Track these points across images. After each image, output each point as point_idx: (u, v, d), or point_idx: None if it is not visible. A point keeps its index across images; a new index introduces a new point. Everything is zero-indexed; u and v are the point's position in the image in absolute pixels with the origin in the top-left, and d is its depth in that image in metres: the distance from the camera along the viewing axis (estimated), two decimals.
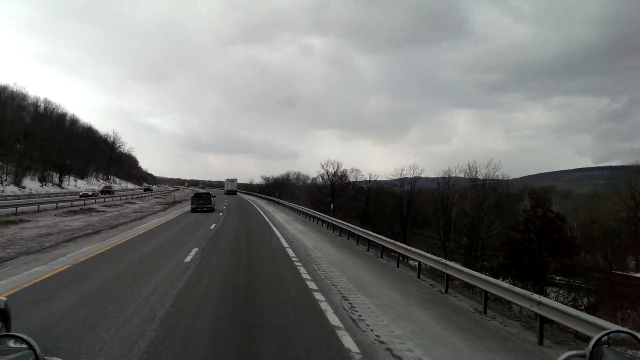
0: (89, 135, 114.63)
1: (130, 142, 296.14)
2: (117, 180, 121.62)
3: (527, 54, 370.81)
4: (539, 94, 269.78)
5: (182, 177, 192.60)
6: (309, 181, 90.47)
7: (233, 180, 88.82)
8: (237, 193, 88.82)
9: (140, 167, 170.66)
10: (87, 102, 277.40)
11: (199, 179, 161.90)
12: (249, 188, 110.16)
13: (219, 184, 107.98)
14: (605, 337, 1.97)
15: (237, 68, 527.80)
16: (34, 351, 1.84)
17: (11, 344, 1.87)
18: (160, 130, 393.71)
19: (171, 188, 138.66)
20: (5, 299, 5.30)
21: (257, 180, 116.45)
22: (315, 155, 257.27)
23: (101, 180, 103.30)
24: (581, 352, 2.00)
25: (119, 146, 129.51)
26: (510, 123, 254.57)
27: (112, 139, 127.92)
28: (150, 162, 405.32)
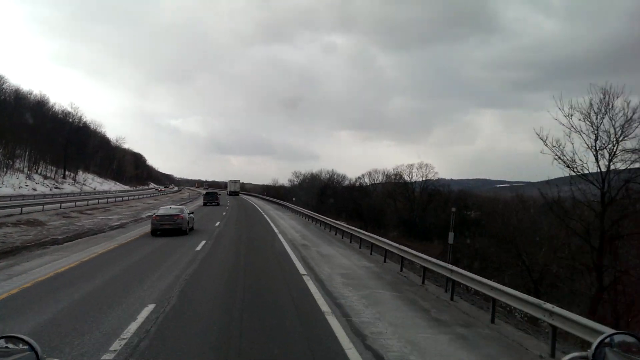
0: (40, 111, 77.72)
1: (152, 144, 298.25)
2: (82, 177, 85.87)
3: (558, 50, 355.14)
4: (568, 92, 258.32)
5: (203, 178, 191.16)
6: (346, 182, 77.35)
7: (236, 182, 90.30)
8: (251, 200, 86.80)
9: (149, 165, 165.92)
10: (110, 104, 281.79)
11: (219, 180, 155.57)
12: (271, 192, 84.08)
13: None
14: (608, 339, 1.97)
15: (259, 68, 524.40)
16: (36, 352, 1.85)
17: (13, 345, 1.88)
18: (182, 132, 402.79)
19: (175, 188, 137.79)
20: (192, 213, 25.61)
21: (283, 180, 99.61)
22: (336, 156, 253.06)
23: (37, 177, 66.73)
24: (584, 353, 1.99)
25: (80, 124, 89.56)
26: (537, 123, 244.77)
27: (75, 117, 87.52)
28: (172, 164, 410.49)
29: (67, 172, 78.11)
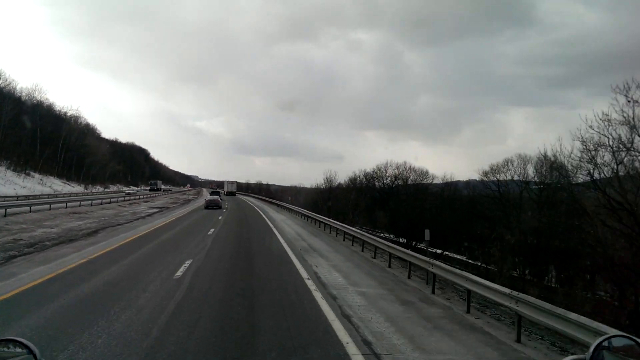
0: None
1: (177, 145, 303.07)
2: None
3: (598, 44, 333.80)
4: (606, 89, 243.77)
5: (227, 179, 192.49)
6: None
7: (233, 183, 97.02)
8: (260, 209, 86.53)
9: (155, 161, 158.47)
10: (136, 106, 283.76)
11: (243, 181, 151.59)
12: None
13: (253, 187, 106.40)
14: (606, 342, 1.96)
15: (282, 67, 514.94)
16: (34, 355, 1.85)
17: (11, 348, 1.88)
18: (206, 133, 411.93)
19: (187, 187, 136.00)
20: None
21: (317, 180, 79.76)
22: (361, 157, 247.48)
23: None
24: (582, 356, 1.99)
25: None
26: (572, 122, 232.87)
27: None
28: (196, 165, 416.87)
29: None
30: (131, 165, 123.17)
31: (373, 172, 55.23)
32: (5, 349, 1.88)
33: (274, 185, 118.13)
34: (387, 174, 52.85)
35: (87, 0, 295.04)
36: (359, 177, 55.83)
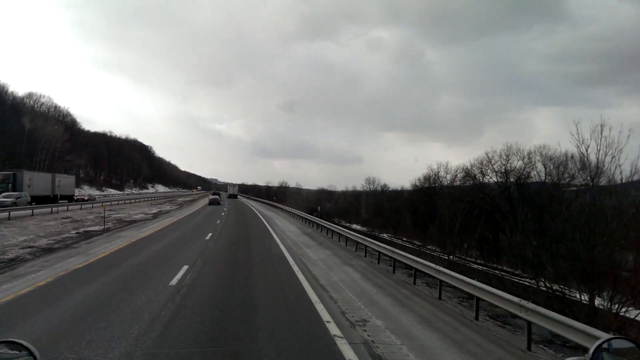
0: None
1: (197, 148, 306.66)
2: None
3: (631, 38, 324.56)
4: (638, 86, 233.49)
5: (247, 182, 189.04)
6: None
7: (234, 186, 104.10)
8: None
9: (160, 161, 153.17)
10: (157, 109, 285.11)
11: (261, 184, 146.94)
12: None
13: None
14: (606, 344, 1.97)
15: (300, 68, 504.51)
16: (34, 357, 1.85)
17: (11, 350, 1.87)
18: (226, 136, 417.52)
19: (193, 191, 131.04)
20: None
21: (354, 183, 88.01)
22: (381, 159, 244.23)
23: None
24: (581, 358, 1.99)
25: None
26: (599, 122, 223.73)
27: None
28: (216, 168, 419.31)
29: None
30: (117, 162, 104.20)
31: (474, 166, 37.83)
32: (6, 351, 1.87)
33: (298, 187, 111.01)
34: (507, 168, 34.89)
35: (105, 3, 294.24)
36: (438, 174, 37.68)
